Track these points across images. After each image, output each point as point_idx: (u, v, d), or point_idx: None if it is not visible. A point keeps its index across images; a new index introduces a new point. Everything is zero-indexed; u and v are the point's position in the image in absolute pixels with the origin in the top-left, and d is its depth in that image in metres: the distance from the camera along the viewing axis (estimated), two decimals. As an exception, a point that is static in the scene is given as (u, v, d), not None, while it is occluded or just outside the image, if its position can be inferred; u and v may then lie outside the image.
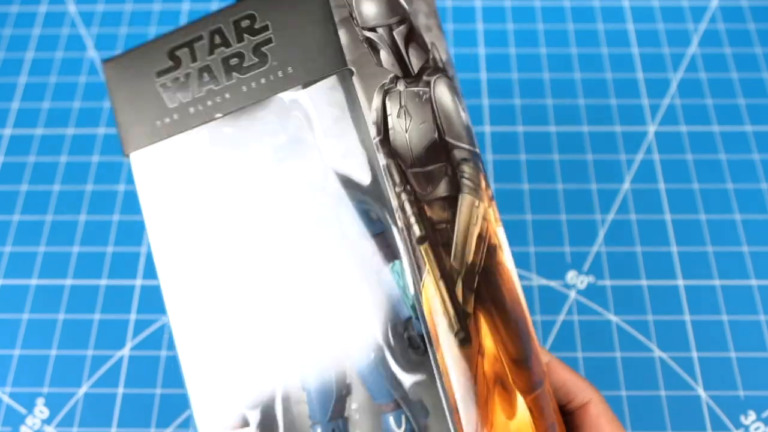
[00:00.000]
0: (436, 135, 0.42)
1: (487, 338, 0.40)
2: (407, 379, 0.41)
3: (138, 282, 0.69)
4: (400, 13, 0.42)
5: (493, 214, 0.45)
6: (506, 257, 0.45)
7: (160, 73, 0.41)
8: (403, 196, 0.38)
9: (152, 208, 0.43)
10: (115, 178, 0.75)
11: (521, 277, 0.68)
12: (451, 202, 0.41)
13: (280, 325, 0.43)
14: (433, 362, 0.38)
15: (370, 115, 0.38)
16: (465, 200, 0.42)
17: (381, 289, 0.41)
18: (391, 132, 0.39)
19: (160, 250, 0.43)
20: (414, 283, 0.38)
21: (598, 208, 0.72)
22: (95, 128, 0.78)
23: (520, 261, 0.69)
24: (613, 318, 0.66)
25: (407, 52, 0.41)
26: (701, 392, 0.62)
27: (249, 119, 0.43)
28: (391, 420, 0.41)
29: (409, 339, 0.40)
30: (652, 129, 0.76)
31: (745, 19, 0.83)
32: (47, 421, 0.63)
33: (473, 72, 0.80)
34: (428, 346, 0.38)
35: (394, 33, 0.41)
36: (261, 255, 0.42)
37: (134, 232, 0.71)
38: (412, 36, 0.42)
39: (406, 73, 0.41)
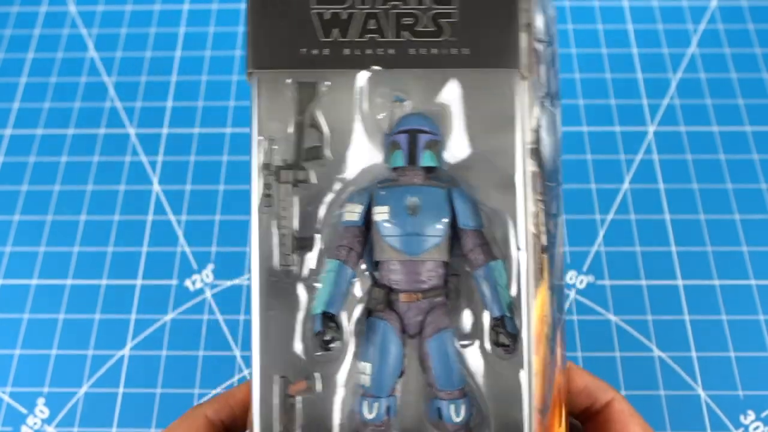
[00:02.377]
0: (558, 157, 0.43)
1: (561, 351, 0.41)
2: (481, 372, 0.41)
3: (138, 282, 0.69)
4: (552, 35, 0.42)
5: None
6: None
7: (321, 0, 0.38)
8: (540, 205, 0.38)
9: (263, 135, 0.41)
10: (115, 179, 0.75)
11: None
12: (555, 221, 0.42)
13: (365, 288, 0.43)
14: (526, 363, 0.38)
15: (530, 122, 0.38)
16: (560, 221, 0.43)
17: (476, 283, 0.41)
18: (540, 143, 0.39)
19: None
20: (527, 286, 0.38)
21: (597, 208, 0.72)
22: (96, 128, 0.78)
23: (520, 261, 0.69)
24: (613, 318, 0.66)
25: (551, 73, 0.42)
26: (701, 392, 0.62)
27: (387, 80, 0.41)
28: (452, 408, 0.41)
29: (498, 336, 0.40)
30: (651, 129, 0.76)
31: (744, 20, 0.83)
32: (48, 421, 0.63)
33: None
34: (526, 347, 0.38)
35: (548, 51, 0.41)
36: (374, 213, 0.42)
37: (135, 232, 0.72)
38: (554, 59, 0.43)
39: (549, 92, 0.41)
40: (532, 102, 0.38)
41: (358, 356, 0.42)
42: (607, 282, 0.68)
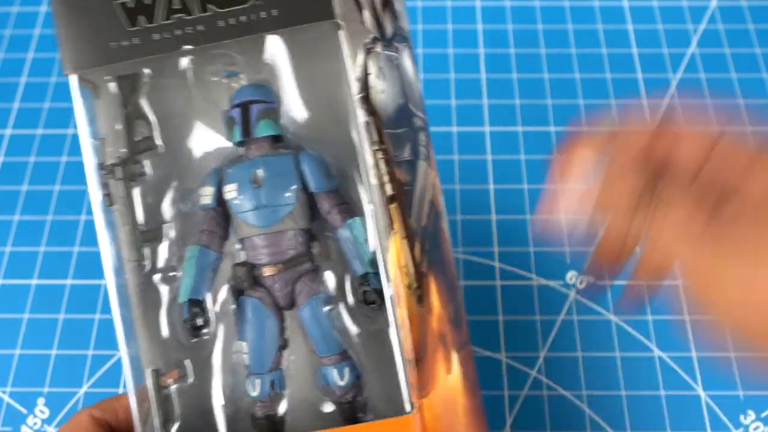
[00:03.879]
0: (402, 100, 0.42)
1: (434, 297, 0.41)
2: (356, 332, 0.41)
3: (138, 282, 0.69)
4: None
5: (438, 182, 0.46)
6: (446, 224, 0.46)
7: None
8: (379, 154, 0.38)
9: (88, 137, 0.40)
10: (115, 178, 0.74)
11: (521, 278, 0.68)
12: (411, 166, 0.41)
13: (225, 271, 0.43)
14: (392, 317, 0.38)
15: (354, 71, 0.37)
16: (421, 166, 0.43)
17: (336, 244, 0.41)
18: (370, 91, 0.38)
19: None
20: (380, 240, 0.37)
21: (597, 208, 0.72)
22: (95, 128, 0.78)
23: (521, 261, 0.69)
24: (613, 318, 0.66)
25: (383, 16, 0.41)
26: (701, 392, 0.62)
27: (214, 57, 0.41)
28: (334, 373, 0.40)
29: (364, 294, 0.40)
30: (651, 129, 0.76)
31: (744, 20, 0.83)
32: (48, 421, 0.63)
33: (475, 72, 0.80)
34: (389, 301, 0.37)
35: None
36: (214, 197, 0.42)
37: (134, 232, 0.71)
38: (387, 1, 0.42)
39: (382, 36, 0.40)
40: (354, 51, 0.37)
41: (237, 336, 0.42)
42: (606, 282, 0.68)
